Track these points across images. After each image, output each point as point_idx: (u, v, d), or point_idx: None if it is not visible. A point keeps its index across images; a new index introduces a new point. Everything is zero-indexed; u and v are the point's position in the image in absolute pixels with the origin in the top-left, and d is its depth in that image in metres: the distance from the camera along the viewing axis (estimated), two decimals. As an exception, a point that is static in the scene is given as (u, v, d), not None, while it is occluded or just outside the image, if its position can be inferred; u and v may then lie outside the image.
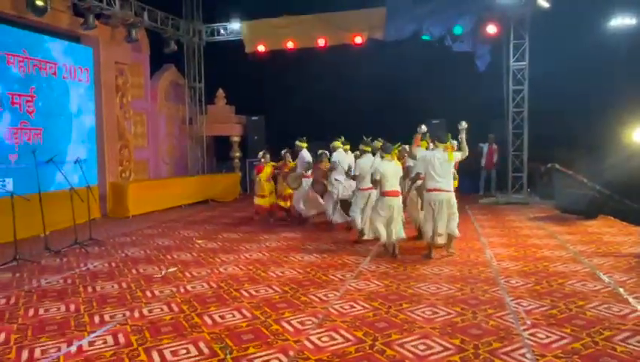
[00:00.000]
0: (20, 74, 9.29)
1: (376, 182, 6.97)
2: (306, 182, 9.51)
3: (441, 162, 6.72)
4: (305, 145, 9.65)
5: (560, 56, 11.52)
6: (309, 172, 9.51)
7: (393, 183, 6.92)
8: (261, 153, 10.19)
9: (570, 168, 10.15)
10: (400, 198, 7.05)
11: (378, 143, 8.39)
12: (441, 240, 6.87)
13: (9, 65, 9.06)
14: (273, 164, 10.12)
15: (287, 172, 9.74)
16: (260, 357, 3.79)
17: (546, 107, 11.80)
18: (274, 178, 10.17)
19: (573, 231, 8.52)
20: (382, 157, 7.10)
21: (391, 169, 6.91)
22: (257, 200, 10.12)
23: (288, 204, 10.08)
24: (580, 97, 11.65)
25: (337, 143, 9.26)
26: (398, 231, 6.96)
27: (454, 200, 6.86)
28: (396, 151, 7.42)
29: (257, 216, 10.32)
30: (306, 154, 9.54)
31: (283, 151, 10.25)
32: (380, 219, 6.95)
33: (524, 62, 12.13)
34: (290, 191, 9.87)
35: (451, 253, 6.96)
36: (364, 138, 8.26)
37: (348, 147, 9.39)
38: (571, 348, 3.82)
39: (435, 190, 6.75)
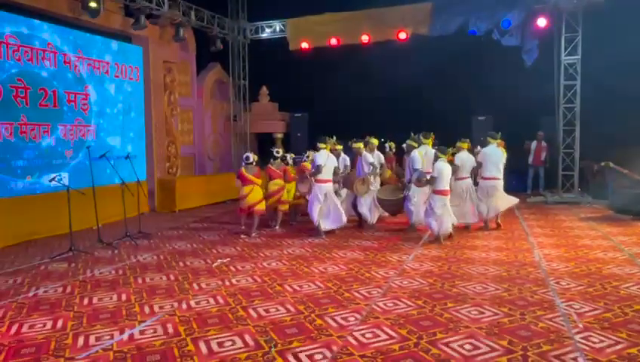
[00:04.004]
0: (75, 73, 9.71)
1: (432, 180, 7.61)
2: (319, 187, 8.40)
3: (496, 156, 8.44)
4: (324, 145, 8.61)
5: (615, 50, 11.01)
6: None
7: (448, 182, 7.68)
8: (251, 154, 8.93)
9: (625, 166, 9.69)
10: (449, 196, 7.78)
11: (375, 140, 9.40)
12: (492, 214, 8.55)
13: (65, 65, 9.47)
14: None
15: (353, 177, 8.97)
16: (304, 351, 3.82)
17: (599, 103, 11.31)
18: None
19: (628, 233, 8.13)
20: (437, 157, 7.74)
21: (447, 170, 7.65)
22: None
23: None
24: (636, 93, 11.11)
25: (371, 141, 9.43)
26: (447, 225, 7.68)
27: (501, 186, 8.54)
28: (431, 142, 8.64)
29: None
30: (316, 156, 8.50)
31: (308, 153, 9.94)
32: (435, 215, 7.59)
33: (577, 57, 11.64)
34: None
35: (500, 227, 8.63)
36: (412, 134, 8.90)
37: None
38: (627, 354, 3.66)
39: (492, 178, 8.45)
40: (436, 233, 7.69)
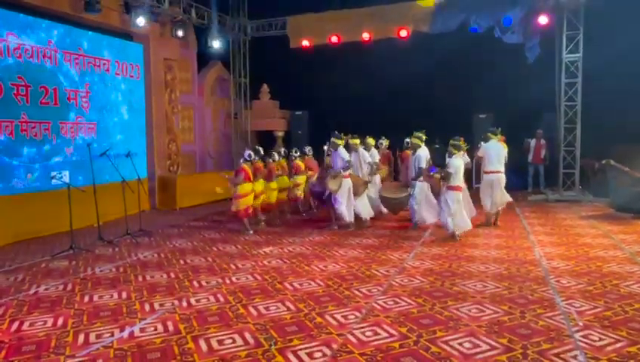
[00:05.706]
0: (76, 71, 9.70)
1: (448, 176, 7.59)
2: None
3: (497, 150, 8.54)
4: (342, 142, 8.73)
5: (616, 47, 10.98)
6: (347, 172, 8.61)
7: (462, 178, 7.76)
8: (252, 153, 8.90)
9: (626, 164, 9.67)
10: (462, 193, 7.78)
11: (372, 140, 9.59)
12: (494, 210, 8.61)
13: (66, 62, 9.47)
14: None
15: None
16: (304, 349, 3.82)
17: (600, 101, 11.28)
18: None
19: (628, 231, 8.13)
20: (451, 153, 7.78)
21: (462, 165, 7.74)
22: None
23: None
24: (637, 90, 11.08)
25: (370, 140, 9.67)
26: (467, 222, 7.77)
27: (504, 179, 8.62)
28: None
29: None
30: (342, 153, 8.62)
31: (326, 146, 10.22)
32: (449, 211, 7.55)
33: (578, 54, 11.62)
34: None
35: (498, 225, 8.65)
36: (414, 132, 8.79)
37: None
38: (627, 352, 3.65)
39: (493, 172, 8.53)
40: (451, 230, 7.59)
